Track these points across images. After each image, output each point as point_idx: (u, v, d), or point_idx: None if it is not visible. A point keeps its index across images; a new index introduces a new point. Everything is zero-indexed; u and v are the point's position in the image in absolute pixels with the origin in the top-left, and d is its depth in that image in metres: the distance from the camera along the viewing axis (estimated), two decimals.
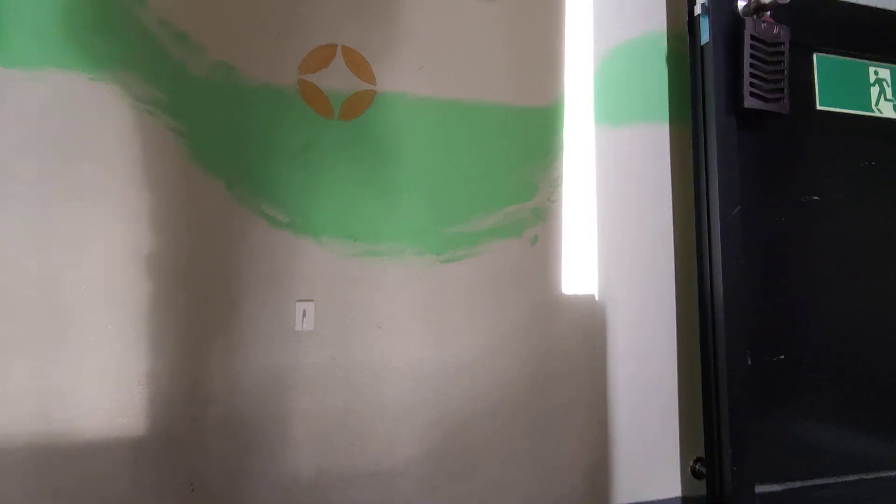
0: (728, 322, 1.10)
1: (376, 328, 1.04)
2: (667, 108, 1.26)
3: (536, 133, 1.17)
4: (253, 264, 0.98)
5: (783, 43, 1.17)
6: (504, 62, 1.16)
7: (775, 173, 1.20)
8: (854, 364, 1.22)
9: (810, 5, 1.24)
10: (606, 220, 1.19)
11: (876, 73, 1.31)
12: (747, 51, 1.15)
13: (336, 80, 1.06)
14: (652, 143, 1.24)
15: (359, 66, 1.07)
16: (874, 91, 1.30)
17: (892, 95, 1.31)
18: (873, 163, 1.28)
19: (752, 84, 1.14)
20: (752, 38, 1.15)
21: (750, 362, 1.12)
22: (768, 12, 1.18)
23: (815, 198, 1.22)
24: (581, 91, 1.21)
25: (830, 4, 1.27)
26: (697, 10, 1.19)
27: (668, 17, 1.28)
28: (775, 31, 1.17)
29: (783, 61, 1.17)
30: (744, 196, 1.15)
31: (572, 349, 1.15)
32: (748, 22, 1.15)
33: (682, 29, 1.28)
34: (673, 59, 1.27)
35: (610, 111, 1.22)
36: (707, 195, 1.16)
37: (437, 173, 1.09)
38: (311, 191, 1.02)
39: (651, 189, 1.23)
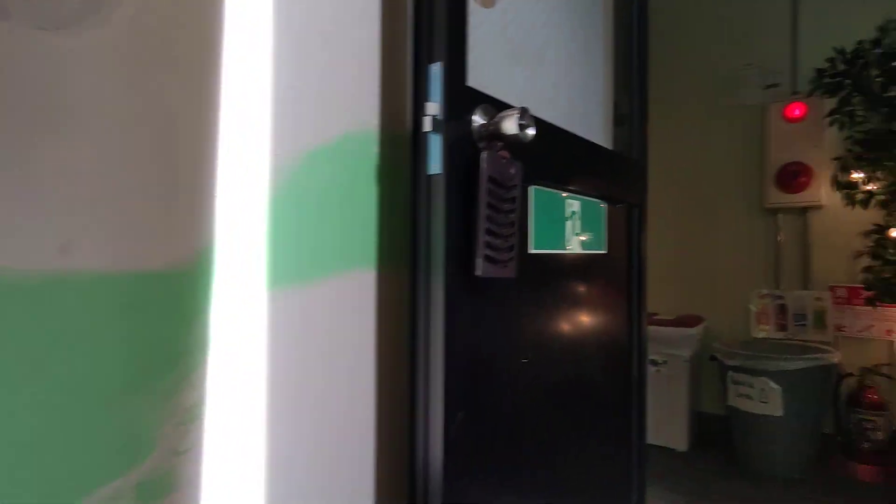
0: None
1: None
2: (374, 248, 0.85)
3: (155, 325, 0.59)
4: None
5: (516, 186, 0.92)
6: (94, 174, 0.53)
7: (492, 340, 0.97)
8: None
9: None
10: (280, 458, 0.72)
11: (570, 205, 1.22)
12: (484, 199, 0.84)
13: None
14: (359, 307, 0.82)
15: None
16: (568, 226, 1.21)
17: (580, 228, 1.26)
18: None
19: (487, 244, 0.85)
20: (491, 179, 0.85)
21: None
22: (500, 143, 0.90)
23: (525, 360, 1.05)
24: (247, 230, 0.68)
25: (544, 127, 1.09)
26: (427, 124, 0.81)
27: (381, 111, 0.86)
28: (512, 170, 0.90)
29: (515, 209, 0.92)
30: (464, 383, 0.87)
31: None
32: (487, 158, 0.84)
33: (397, 129, 0.89)
34: (386, 173, 0.87)
35: (301, 258, 0.74)
36: (426, 395, 0.82)
37: None
38: None
39: (353, 413, 0.82)
